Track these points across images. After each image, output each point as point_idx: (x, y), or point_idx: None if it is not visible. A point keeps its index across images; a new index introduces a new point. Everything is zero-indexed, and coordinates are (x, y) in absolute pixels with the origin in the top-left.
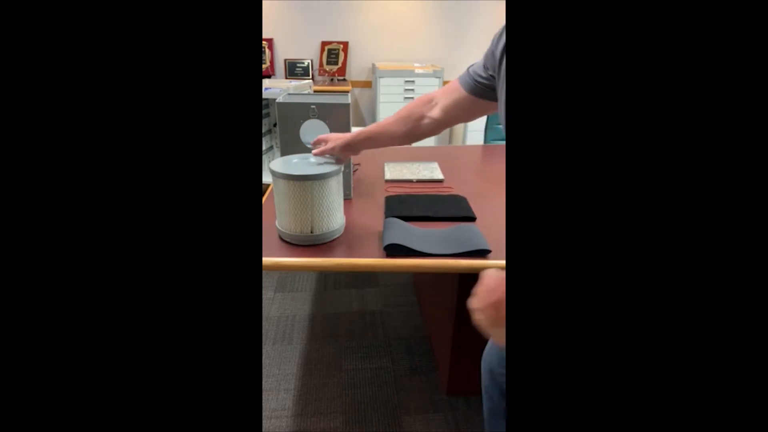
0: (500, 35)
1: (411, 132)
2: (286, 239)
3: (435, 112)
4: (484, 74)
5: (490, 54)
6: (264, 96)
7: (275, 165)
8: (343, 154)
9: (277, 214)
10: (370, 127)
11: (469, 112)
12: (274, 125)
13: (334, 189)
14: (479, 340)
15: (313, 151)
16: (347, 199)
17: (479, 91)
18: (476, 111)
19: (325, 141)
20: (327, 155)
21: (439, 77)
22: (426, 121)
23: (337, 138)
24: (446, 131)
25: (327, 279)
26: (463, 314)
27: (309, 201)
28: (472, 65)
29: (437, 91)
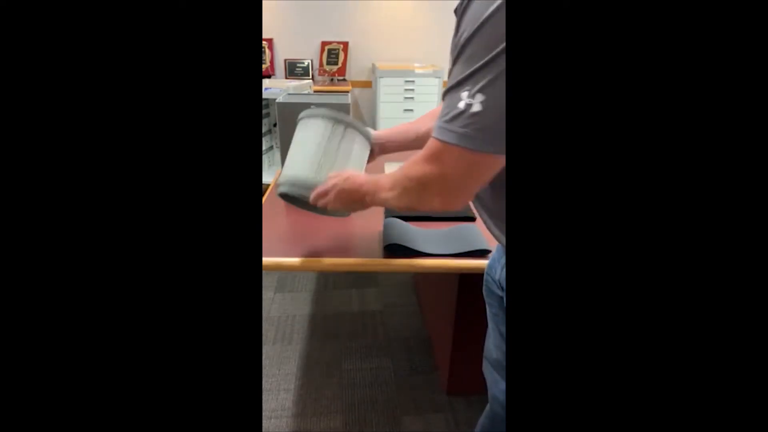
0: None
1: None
2: (292, 192)
3: None
4: None
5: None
6: (264, 96)
7: (307, 112)
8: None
9: (292, 162)
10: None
11: None
12: (274, 125)
13: (358, 149)
14: (479, 340)
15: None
16: None
17: None
18: None
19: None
20: None
21: (439, 77)
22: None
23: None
24: None
25: (327, 279)
26: (463, 314)
27: (336, 147)
28: None
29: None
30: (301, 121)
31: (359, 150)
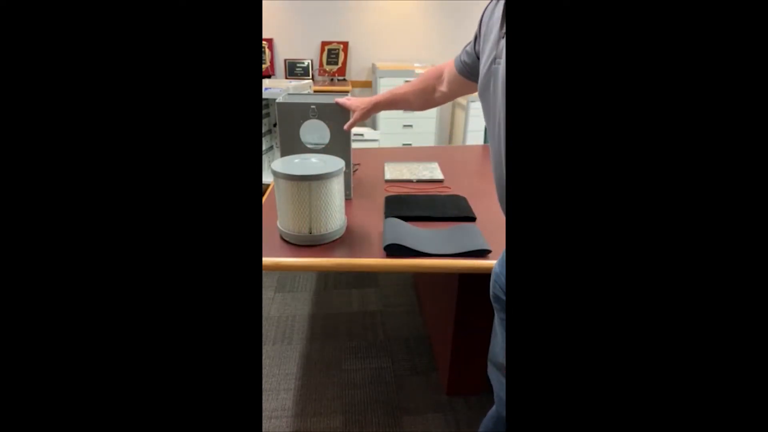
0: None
1: (425, 103)
2: (286, 239)
3: (443, 87)
4: (468, 58)
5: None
6: (264, 96)
7: (276, 165)
8: (366, 118)
9: (279, 214)
10: (389, 95)
11: (464, 88)
12: (274, 125)
13: (335, 190)
14: (479, 340)
15: (346, 126)
16: (347, 199)
17: (465, 72)
18: (466, 89)
19: (347, 106)
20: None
21: None
22: (437, 94)
23: (361, 106)
24: (446, 131)
25: (327, 279)
26: (463, 314)
27: (307, 201)
28: (468, 44)
29: (445, 65)
30: (274, 179)
31: (334, 189)
